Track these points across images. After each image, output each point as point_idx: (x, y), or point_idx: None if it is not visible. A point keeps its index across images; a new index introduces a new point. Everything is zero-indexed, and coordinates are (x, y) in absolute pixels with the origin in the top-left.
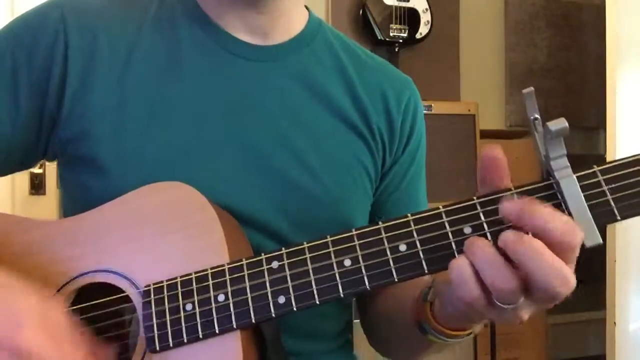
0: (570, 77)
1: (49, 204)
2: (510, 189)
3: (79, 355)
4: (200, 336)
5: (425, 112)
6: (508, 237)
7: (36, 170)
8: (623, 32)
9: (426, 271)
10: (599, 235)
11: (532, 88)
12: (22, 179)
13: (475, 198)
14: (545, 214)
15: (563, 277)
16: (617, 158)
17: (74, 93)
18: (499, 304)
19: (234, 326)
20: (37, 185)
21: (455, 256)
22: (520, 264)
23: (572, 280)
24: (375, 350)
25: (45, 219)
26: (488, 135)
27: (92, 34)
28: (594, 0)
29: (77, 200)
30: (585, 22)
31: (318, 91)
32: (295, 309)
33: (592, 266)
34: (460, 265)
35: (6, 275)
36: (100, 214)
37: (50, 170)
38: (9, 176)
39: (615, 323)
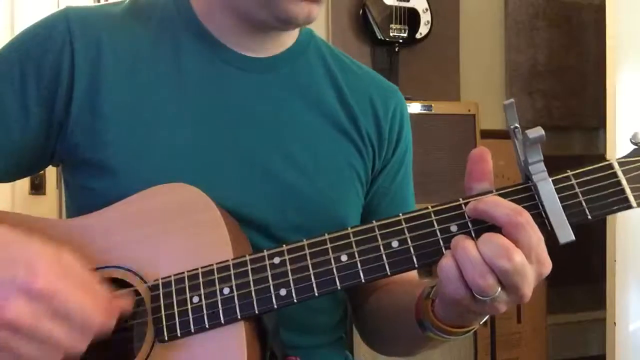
0: (570, 77)
1: (49, 204)
2: (491, 191)
3: (98, 296)
4: (207, 326)
5: (425, 112)
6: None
7: None
8: (623, 32)
9: (416, 265)
10: (572, 233)
11: (512, 100)
12: (22, 179)
13: (461, 199)
14: (490, 204)
15: (505, 250)
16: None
17: (81, 100)
18: (479, 297)
19: (239, 317)
20: (37, 185)
21: (442, 252)
22: (480, 252)
23: (517, 257)
24: (368, 346)
25: (54, 218)
26: (488, 135)
27: (97, 44)
28: (594, 0)
29: (82, 202)
30: (585, 22)
31: (311, 99)
32: (295, 300)
33: (592, 266)
34: (447, 267)
35: (19, 232)
36: (110, 213)
37: (51, 170)
38: None
39: (615, 323)
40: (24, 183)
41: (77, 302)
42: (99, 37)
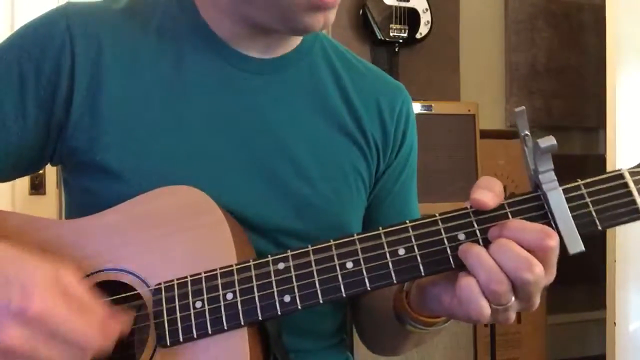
0: (570, 77)
1: (49, 204)
2: (502, 204)
3: (95, 316)
4: (210, 332)
5: (425, 112)
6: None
7: None
8: (623, 32)
9: (423, 274)
10: (582, 244)
11: (523, 107)
12: (22, 179)
13: (469, 207)
14: (515, 230)
15: (528, 262)
16: (617, 158)
17: (81, 103)
18: (493, 306)
19: (242, 323)
20: (37, 185)
21: (450, 260)
22: (496, 260)
23: (537, 269)
24: (365, 346)
25: (55, 219)
26: (488, 135)
27: (98, 44)
28: (594, 0)
29: (82, 204)
30: (585, 22)
31: (316, 101)
32: (300, 307)
33: (592, 266)
34: (468, 285)
35: (16, 250)
36: (112, 215)
37: (50, 170)
38: None
39: (615, 323)
40: (24, 183)
41: (74, 325)
42: (100, 36)
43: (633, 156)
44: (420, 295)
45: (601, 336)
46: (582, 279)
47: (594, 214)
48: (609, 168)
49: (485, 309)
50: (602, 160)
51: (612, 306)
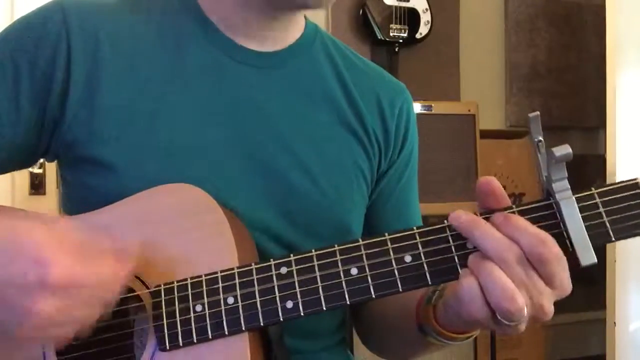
0: (570, 77)
1: (49, 204)
2: (511, 207)
3: (105, 257)
4: (210, 337)
5: (425, 112)
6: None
7: (36, 170)
8: (623, 32)
9: (430, 283)
10: (594, 255)
11: (537, 112)
12: (22, 179)
13: (478, 214)
14: (518, 225)
15: (510, 294)
16: (617, 158)
17: (78, 97)
18: (503, 321)
19: (243, 328)
20: (37, 185)
21: (458, 270)
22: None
23: (520, 299)
24: (368, 349)
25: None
26: (488, 135)
27: (95, 37)
28: (594, 0)
29: (79, 200)
30: (585, 22)
31: (317, 96)
32: (302, 314)
33: (592, 266)
34: (470, 286)
35: (9, 218)
36: (110, 214)
37: (50, 170)
38: (9, 176)
39: (615, 323)
40: (24, 183)
41: (94, 274)
42: (97, 29)
43: (633, 156)
44: (446, 309)
45: (601, 336)
46: (582, 279)
47: (607, 224)
48: (609, 168)
49: (484, 310)
50: (602, 160)
51: (612, 306)
